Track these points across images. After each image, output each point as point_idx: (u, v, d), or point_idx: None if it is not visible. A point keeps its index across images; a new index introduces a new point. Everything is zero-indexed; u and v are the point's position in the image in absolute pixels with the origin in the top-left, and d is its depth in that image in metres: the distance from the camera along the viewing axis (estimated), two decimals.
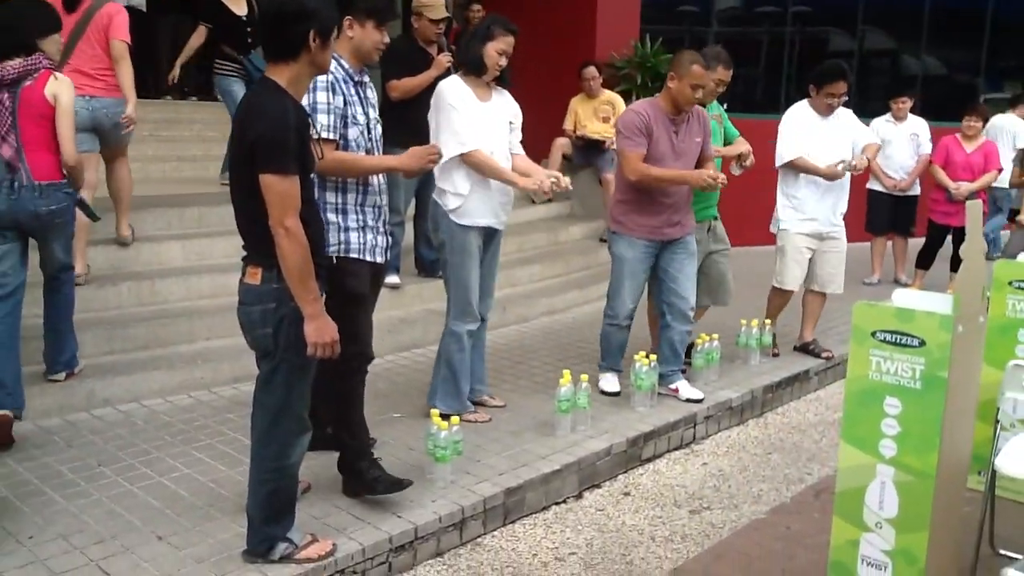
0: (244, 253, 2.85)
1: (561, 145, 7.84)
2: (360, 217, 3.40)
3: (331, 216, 3.33)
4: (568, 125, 7.88)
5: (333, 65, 3.21)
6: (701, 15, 10.27)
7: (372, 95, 3.52)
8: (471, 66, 4.02)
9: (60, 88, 3.92)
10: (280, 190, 2.64)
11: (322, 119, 3.22)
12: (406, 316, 5.62)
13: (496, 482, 3.64)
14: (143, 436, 3.97)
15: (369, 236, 3.42)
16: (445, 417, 3.63)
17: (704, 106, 4.85)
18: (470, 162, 3.96)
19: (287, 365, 2.81)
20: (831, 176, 5.25)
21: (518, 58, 8.81)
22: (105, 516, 3.24)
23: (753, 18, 10.82)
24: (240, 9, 6.39)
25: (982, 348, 3.15)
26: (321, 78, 3.14)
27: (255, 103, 2.75)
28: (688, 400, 4.64)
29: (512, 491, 3.63)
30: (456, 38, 8.17)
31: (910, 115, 7.81)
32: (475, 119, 3.97)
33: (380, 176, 3.49)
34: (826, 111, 5.33)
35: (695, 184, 4.48)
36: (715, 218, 5.13)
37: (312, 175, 2.88)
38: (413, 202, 5.80)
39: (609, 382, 4.75)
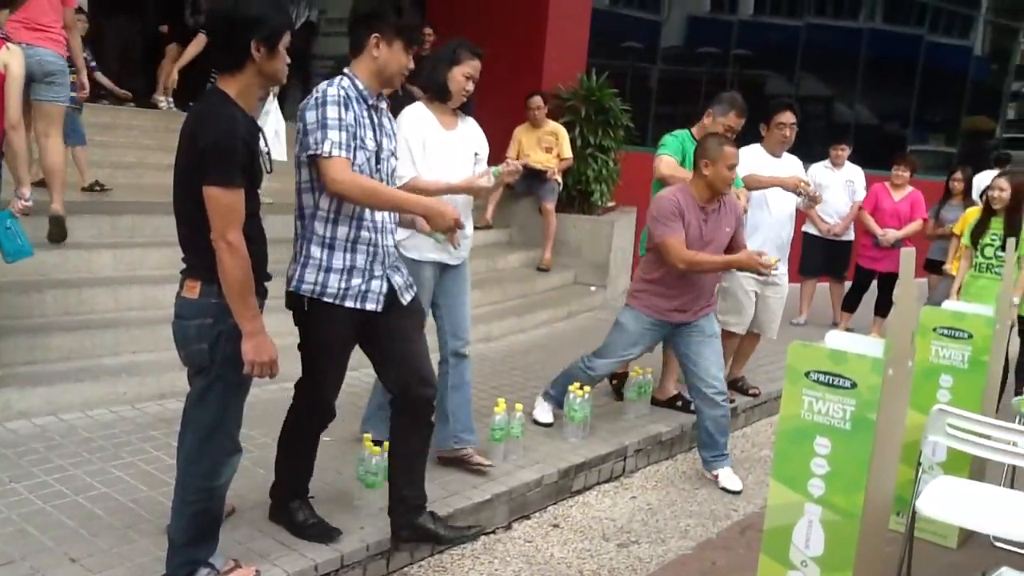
0: (183, 265, 2.77)
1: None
2: (348, 256, 3.07)
3: (315, 250, 3.06)
4: (511, 153, 7.90)
5: (346, 83, 3.03)
6: (646, 52, 10.46)
7: (388, 123, 3.23)
8: (436, 92, 3.80)
9: (11, 58, 3.93)
10: (225, 202, 2.58)
11: (333, 135, 2.92)
12: None
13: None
14: (60, 451, 3.82)
15: (356, 280, 3.07)
16: (377, 443, 3.57)
17: None
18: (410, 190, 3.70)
19: (222, 382, 2.74)
20: (791, 185, 5.17)
21: None
22: (15, 535, 3.09)
23: (695, 58, 11.07)
24: None
25: (908, 392, 3.23)
26: (332, 91, 2.97)
27: (204, 112, 2.67)
28: (724, 489, 4.47)
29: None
30: (416, 61, 8.18)
31: (847, 162, 8.05)
32: (437, 149, 3.74)
33: (387, 213, 3.17)
34: (779, 146, 5.35)
35: (747, 266, 4.42)
36: None
37: (259, 190, 2.81)
38: None
39: (544, 412, 4.73)
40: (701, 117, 5.03)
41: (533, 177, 7.80)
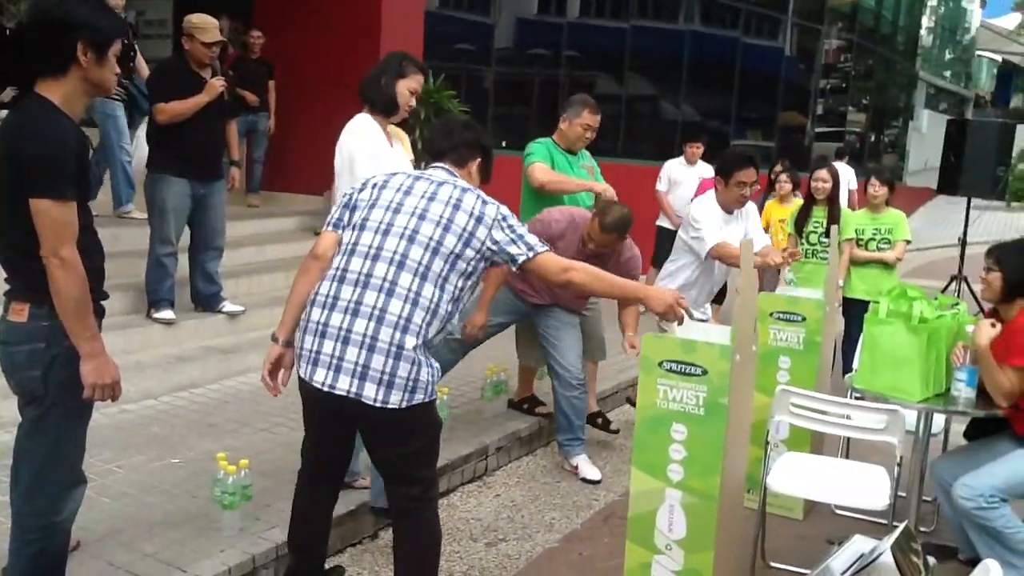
0: (7, 287, 2.56)
1: None
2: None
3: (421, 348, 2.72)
4: None
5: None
6: (480, 54, 10.55)
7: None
8: (384, 105, 3.64)
9: None
10: (56, 216, 2.39)
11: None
12: (182, 354, 5.29)
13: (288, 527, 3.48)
14: None
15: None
16: (231, 461, 3.43)
17: (574, 154, 4.98)
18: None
19: (59, 410, 2.54)
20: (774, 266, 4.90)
21: (301, 90, 8.66)
22: None
23: (528, 59, 11.26)
24: None
25: (754, 375, 3.40)
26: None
27: (26, 121, 2.45)
28: (584, 480, 4.54)
29: None
30: (233, 64, 7.92)
31: (699, 160, 8.39)
32: (385, 163, 3.53)
33: None
34: (736, 204, 4.76)
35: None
36: None
37: (89, 201, 2.62)
38: (187, 232, 5.49)
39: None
40: (558, 124, 5.03)
41: None
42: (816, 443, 4.27)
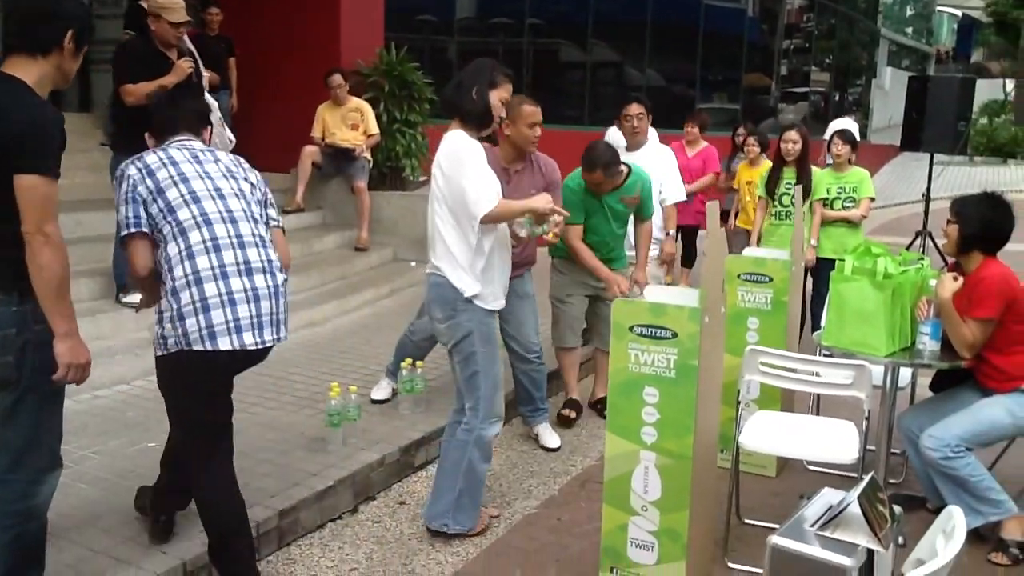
0: None
1: (310, 153, 7.69)
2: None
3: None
4: (316, 133, 7.74)
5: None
6: (442, 25, 10.48)
7: None
8: (479, 117, 3.40)
9: None
10: (44, 192, 2.39)
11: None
12: (152, 337, 5.25)
13: (268, 505, 3.50)
14: None
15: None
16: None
17: (613, 189, 4.69)
18: (494, 215, 3.32)
19: (34, 395, 2.54)
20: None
21: (263, 65, 8.56)
22: None
23: (489, 29, 11.20)
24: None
25: (723, 336, 3.44)
26: None
27: (5, 99, 2.43)
28: (544, 448, 4.60)
29: (285, 512, 3.50)
30: (194, 40, 7.80)
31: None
32: (492, 180, 3.39)
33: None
34: (630, 138, 5.36)
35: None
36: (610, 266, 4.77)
37: None
38: None
39: (380, 390, 4.72)
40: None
41: (341, 156, 7.68)
42: (786, 401, 4.34)
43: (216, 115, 6.28)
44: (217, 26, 8.31)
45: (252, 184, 3.05)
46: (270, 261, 2.92)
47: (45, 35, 2.51)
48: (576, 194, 4.66)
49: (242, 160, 3.13)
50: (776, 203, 6.36)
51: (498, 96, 3.46)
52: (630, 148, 5.38)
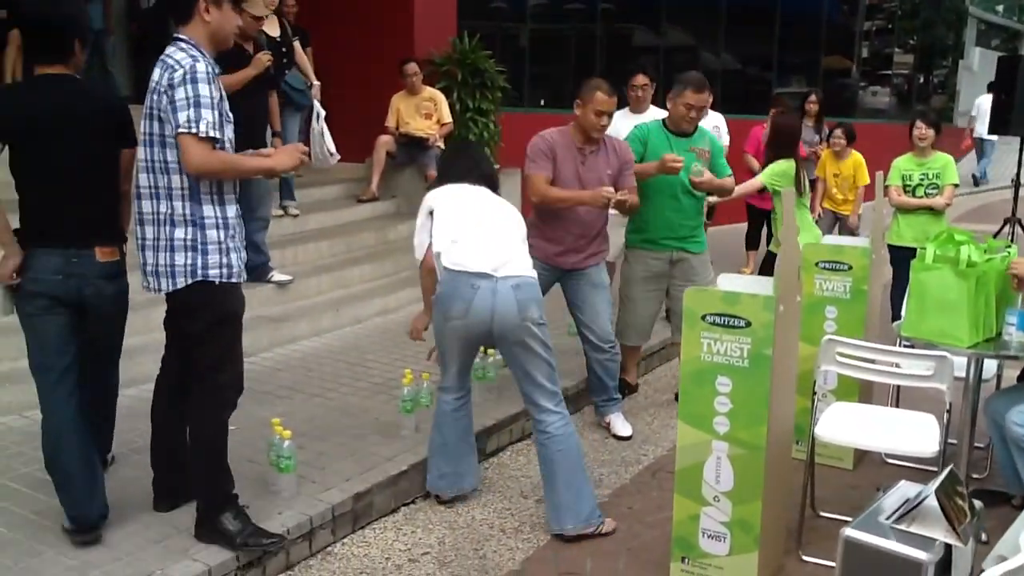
0: (87, 234, 3.08)
1: (385, 143, 7.77)
2: (239, 234, 3.09)
3: (212, 234, 2.97)
4: (391, 123, 7.82)
5: (199, 54, 2.88)
6: (514, 12, 10.46)
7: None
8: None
9: None
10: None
11: (207, 115, 2.83)
12: None
13: (343, 488, 3.58)
14: None
15: (243, 255, 3.12)
16: (286, 426, 3.52)
17: (687, 135, 4.80)
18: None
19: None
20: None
21: (338, 56, 8.68)
22: None
23: (563, 15, 11.13)
24: (273, 30, 6.08)
25: (799, 325, 3.38)
26: (201, 68, 2.84)
27: (88, 87, 3.22)
28: (616, 436, 4.61)
29: (360, 496, 3.58)
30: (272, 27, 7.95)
31: (710, 110, 8.25)
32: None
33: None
34: (633, 103, 5.93)
35: (591, 203, 4.26)
36: (684, 250, 4.79)
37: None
38: None
39: None
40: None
41: (415, 145, 7.74)
42: (865, 392, 4.25)
43: (320, 126, 6.44)
44: (293, 17, 8.43)
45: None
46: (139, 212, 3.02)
47: (62, 43, 3.09)
48: (647, 134, 4.80)
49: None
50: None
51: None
52: (635, 111, 5.88)
